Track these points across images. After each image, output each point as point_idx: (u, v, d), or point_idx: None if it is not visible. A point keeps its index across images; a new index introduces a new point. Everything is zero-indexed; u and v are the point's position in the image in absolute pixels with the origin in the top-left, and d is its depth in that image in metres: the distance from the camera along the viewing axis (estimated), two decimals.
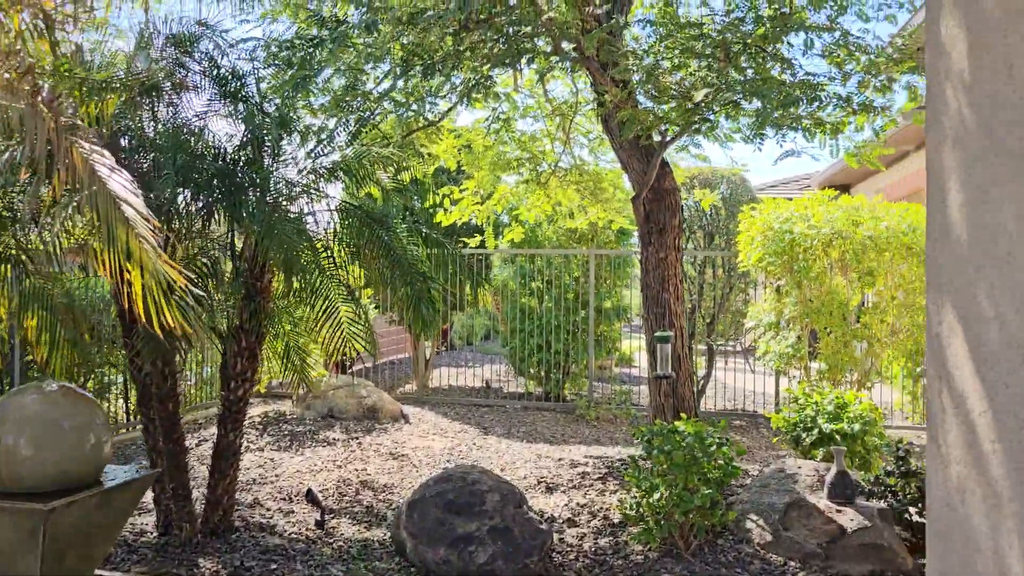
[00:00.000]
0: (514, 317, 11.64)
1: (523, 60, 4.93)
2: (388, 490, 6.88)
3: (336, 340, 4.93)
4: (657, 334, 6.02)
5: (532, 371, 11.70)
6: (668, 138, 5.92)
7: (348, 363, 12.50)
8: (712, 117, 5.27)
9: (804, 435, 6.86)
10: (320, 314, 5.01)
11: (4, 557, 3.77)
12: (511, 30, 4.56)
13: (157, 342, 4.36)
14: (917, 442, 8.61)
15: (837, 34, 5.49)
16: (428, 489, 5.26)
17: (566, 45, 5.16)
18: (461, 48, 4.64)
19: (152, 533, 5.51)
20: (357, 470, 7.44)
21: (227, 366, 5.52)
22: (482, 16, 4.36)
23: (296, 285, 5.37)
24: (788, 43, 5.34)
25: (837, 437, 6.64)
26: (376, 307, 11.67)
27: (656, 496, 5.21)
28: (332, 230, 5.26)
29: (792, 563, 5.22)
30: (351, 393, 9.68)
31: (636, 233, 14.30)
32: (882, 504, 5.62)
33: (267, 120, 4.77)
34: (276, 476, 7.14)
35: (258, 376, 5.73)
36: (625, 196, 10.21)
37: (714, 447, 5.27)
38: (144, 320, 3.84)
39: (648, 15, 5.87)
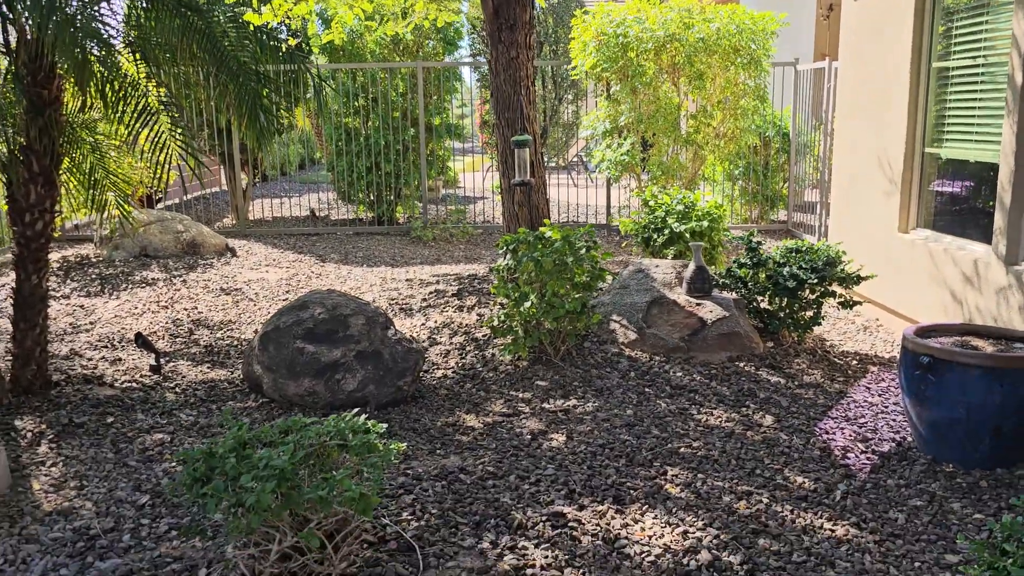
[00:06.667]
0: (339, 138, 10.81)
1: None
2: (226, 327, 6.29)
3: (159, 153, 4.14)
4: (515, 138, 5.63)
5: (361, 195, 11.06)
6: None
7: (156, 197, 11.27)
8: None
9: (655, 236, 6.88)
10: (134, 122, 4.17)
11: None
12: None
13: None
14: None
15: None
16: (283, 318, 4.75)
17: None
18: None
19: None
20: (187, 309, 6.74)
21: (16, 198, 4.58)
22: None
23: (94, 96, 4.44)
24: None
25: (687, 235, 6.70)
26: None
27: (527, 305, 5.01)
28: (134, 21, 4.31)
29: (657, 358, 5.28)
30: (166, 229, 8.70)
31: (463, 43, 13.55)
32: (734, 295, 5.77)
33: None
34: (92, 323, 6.32)
35: (58, 208, 4.83)
36: None
37: (583, 251, 5.09)
38: None
39: None
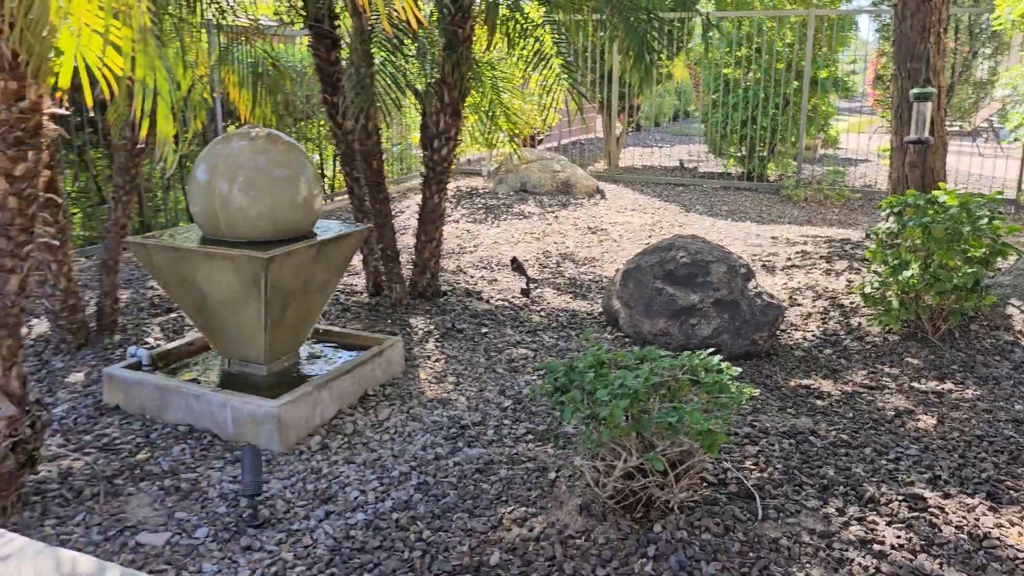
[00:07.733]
0: (716, 89, 10.64)
1: None
2: (589, 263, 6.61)
3: (547, 96, 4.42)
4: (916, 90, 5.08)
5: (733, 149, 10.82)
6: None
7: (538, 139, 12.11)
8: None
9: None
10: (529, 65, 4.49)
11: (228, 308, 3.75)
12: None
13: (367, 92, 4.02)
14: None
15: None
16: (646, 258, 4.87)
17: None
18: None
19: (363, 294, 5.54)
20: (556, 243, 7.19)
21: (427, 126, 5.20)
22: None
23: (499, 38, 4.86)
24: None
25: None
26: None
27: (907, 274, 4.56)
28: None
29: None
30: (544, 168, 9.32)
31: None
32: None
33: None
34: (475, 246, 7.03)
35: (460, 138, 5.40)
36: None
37: (984, 221, 4.49)
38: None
39: None
